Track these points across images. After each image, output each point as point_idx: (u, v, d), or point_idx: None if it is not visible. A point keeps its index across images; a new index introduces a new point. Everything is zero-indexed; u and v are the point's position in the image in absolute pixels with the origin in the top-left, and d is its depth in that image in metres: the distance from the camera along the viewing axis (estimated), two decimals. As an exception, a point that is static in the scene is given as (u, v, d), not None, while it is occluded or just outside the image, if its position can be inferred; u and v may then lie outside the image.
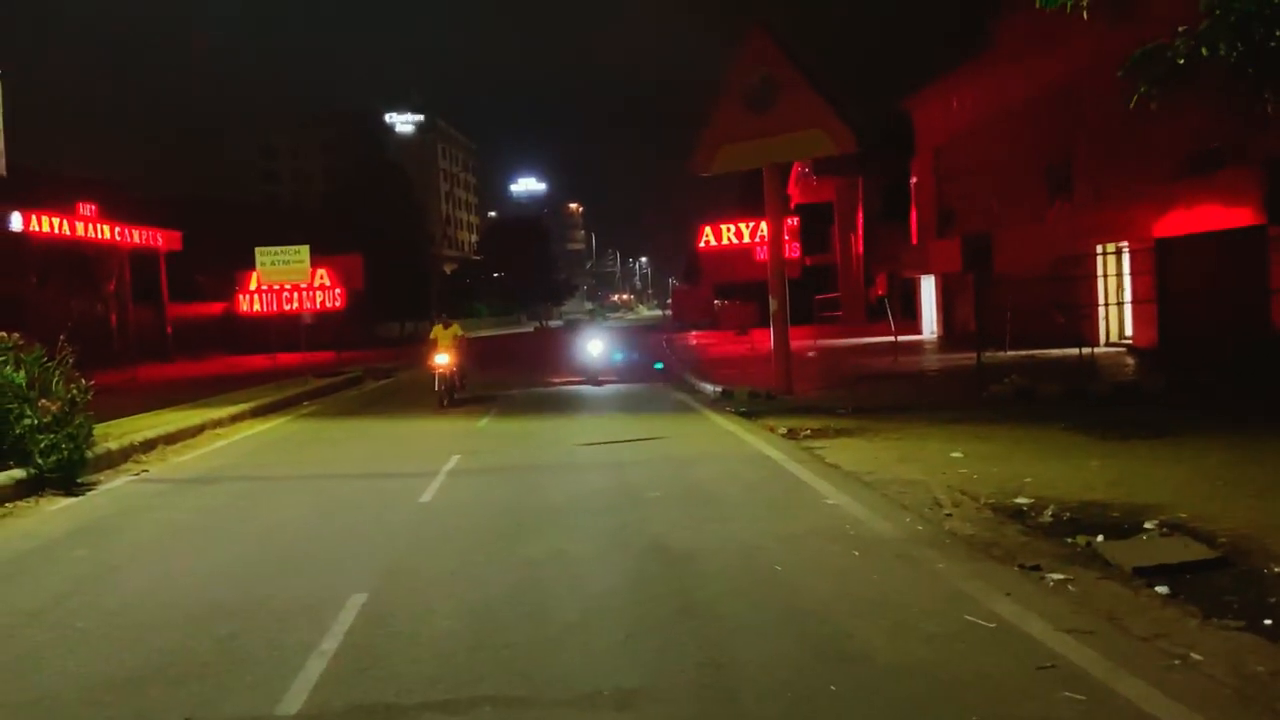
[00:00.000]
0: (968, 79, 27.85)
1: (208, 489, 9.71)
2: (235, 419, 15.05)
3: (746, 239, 29.11)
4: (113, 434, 11.66)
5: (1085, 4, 4.12)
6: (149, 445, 11.75)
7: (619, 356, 25.03)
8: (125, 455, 11.05)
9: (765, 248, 24.33)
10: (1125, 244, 20.46)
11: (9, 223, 27.09)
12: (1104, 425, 10.69)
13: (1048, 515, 6.84)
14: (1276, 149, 15.10)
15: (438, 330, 17.88)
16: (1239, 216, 15.96)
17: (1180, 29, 4.25)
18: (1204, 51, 4.08)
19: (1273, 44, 4.22)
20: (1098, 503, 7.12)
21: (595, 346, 23.87)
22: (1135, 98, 4.51)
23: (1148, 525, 6.37)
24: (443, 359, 17.18)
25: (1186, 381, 14.02)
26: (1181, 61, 4.09)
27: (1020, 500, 7.30)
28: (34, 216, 28.26)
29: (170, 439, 12.46)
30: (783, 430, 11.79)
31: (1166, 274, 18.86)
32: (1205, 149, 17.15)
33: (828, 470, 9.07)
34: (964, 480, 8.16)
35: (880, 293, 37.62)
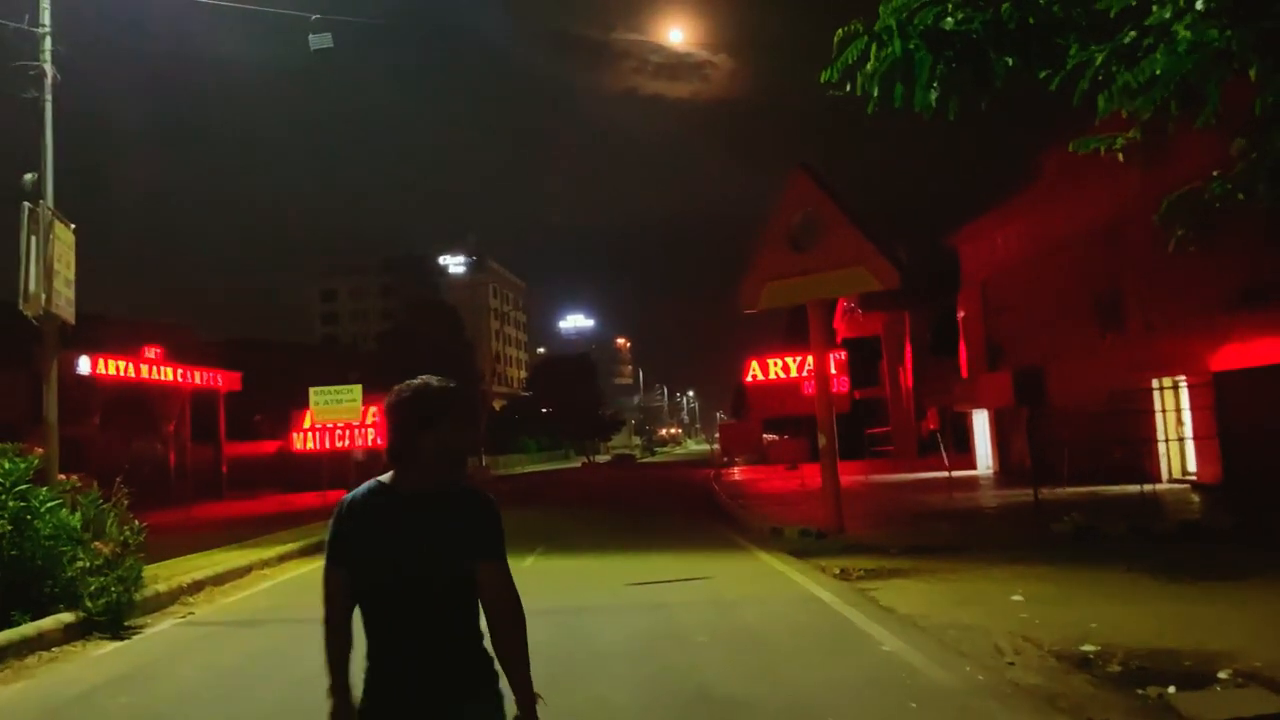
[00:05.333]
0: (1012, 213, 28.13)
1: (253, 632, 9.65)
2: (283, 559, 15.07)
3: (794, 373, 29.11)
4: (162, 575, 11.71)
5: (1119, 148, 4.17)
6: (197, 587, 11.78)
7: None
8: (173, 597, 11.06)
9: (813, 382, 24.32)
10: (1182, 378, 20.09)
11: (76, 367, 28.09)
12: (1171, 566, 10.27)
13: (1116, 664, 6.51)
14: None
15: None
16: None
17: (1215, 173, 4.26)
18: (1240, 196, 4.08)
19: None
20: (1168, 650, 6.76)
21: None
22: (1172, 242, 4.50)
23: (1222, 675, 6.03)
24: None
25: (1256, 520, 13.49)
26: (1217, 205, 4.09)
27: (1086, 647, 6.96)
28: (100, 360, 29.32)
29: (218, 580, 12.49)
30: (835, 570, 11.48)
31: (1227, 409, 18.40)
32: (1259, 281, 16.98)
33: (882, 614, 8.76)
34: (1026, 625, 7.83)
35: (932, 427, 37.14)
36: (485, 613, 2.59)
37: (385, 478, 2.64)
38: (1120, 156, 4.18)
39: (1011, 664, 6.70)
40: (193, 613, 10.62)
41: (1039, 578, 10.16)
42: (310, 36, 12.07)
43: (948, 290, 34.28)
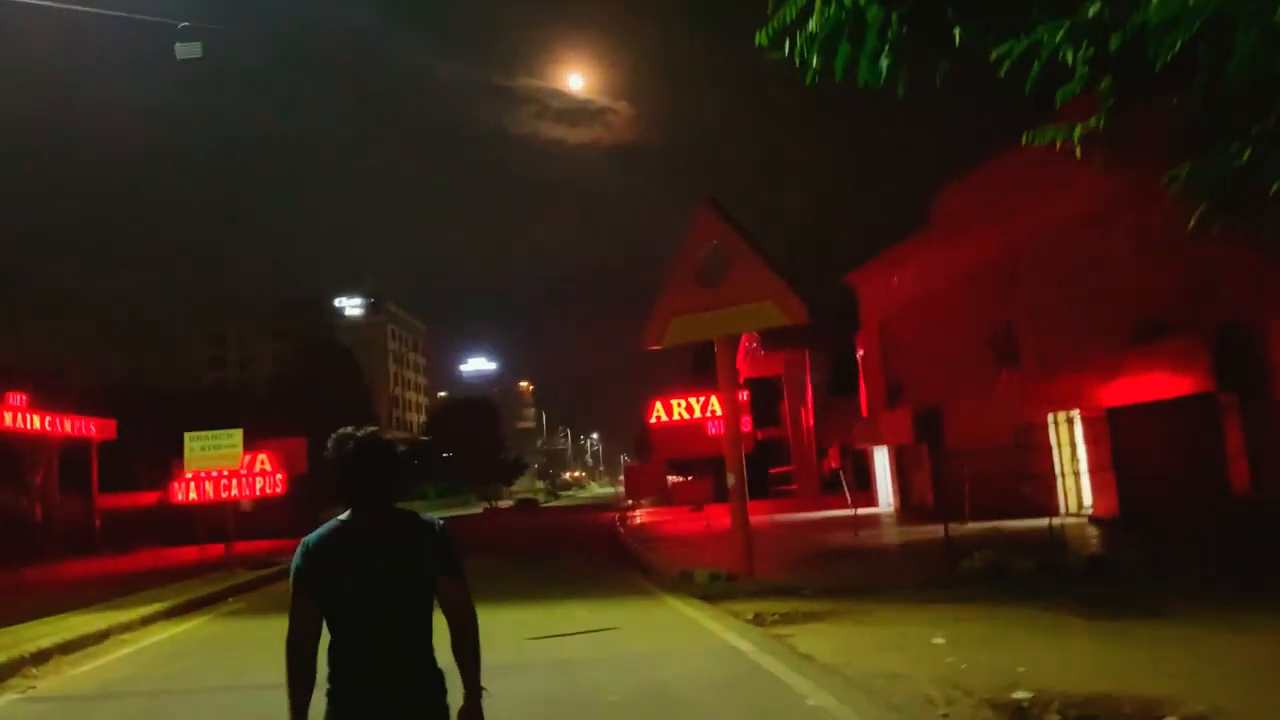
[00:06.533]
0: (908, 254, 28.53)
1: (101, 707, 8.51)
2: (147, 620, 13.67)
3: (698, 414, 28.73)
4: (4, 643, 10.42)
5: (1078, 139, 3.79)
6: (42, 656, 10.42)
7: None
8: (14, 669, 9.76)
9: (717, 422, 23.94)
10: (1076, 412, 20.42)
11: (-72, 413, 25.92)
12: (1086, 603, 10.06)
13: (1054, 713, 6.10)
14: (1226, 316, 15.21)
15: None
16: (1187, 384, 15.95)
17: (1233, 142, 3.78)
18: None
19: None
20: (1105, 695, 6.39)
21: None
22: (1193, 219, 4.04)
23: (1167, 723, 5.67)
24: None
25: (1160, 555, 13.55)
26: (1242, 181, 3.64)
27: (1019, 695, 6.55)
28: (-44, 406, 27.12)
29: (68, 647, 11.09)
30: (748, 615, 10.94)
31: (1121, 443, 18.70)
32: (1150, 319, 17.30)
33: (802, 663, 8.23)
34: (952, 671, 7.40)
35: (833, 465, 37.28)
36: (448, 620, 3.07)
37: (344, 516, 2.99)
38: (1077, 151, 3.80)
39: (945, 716, 6.23)
40: (34, 686, 9.39)
41: (957, 619, 9.81)
42: (177, 45, 11.18)
43: (848, 329, 34.60)
